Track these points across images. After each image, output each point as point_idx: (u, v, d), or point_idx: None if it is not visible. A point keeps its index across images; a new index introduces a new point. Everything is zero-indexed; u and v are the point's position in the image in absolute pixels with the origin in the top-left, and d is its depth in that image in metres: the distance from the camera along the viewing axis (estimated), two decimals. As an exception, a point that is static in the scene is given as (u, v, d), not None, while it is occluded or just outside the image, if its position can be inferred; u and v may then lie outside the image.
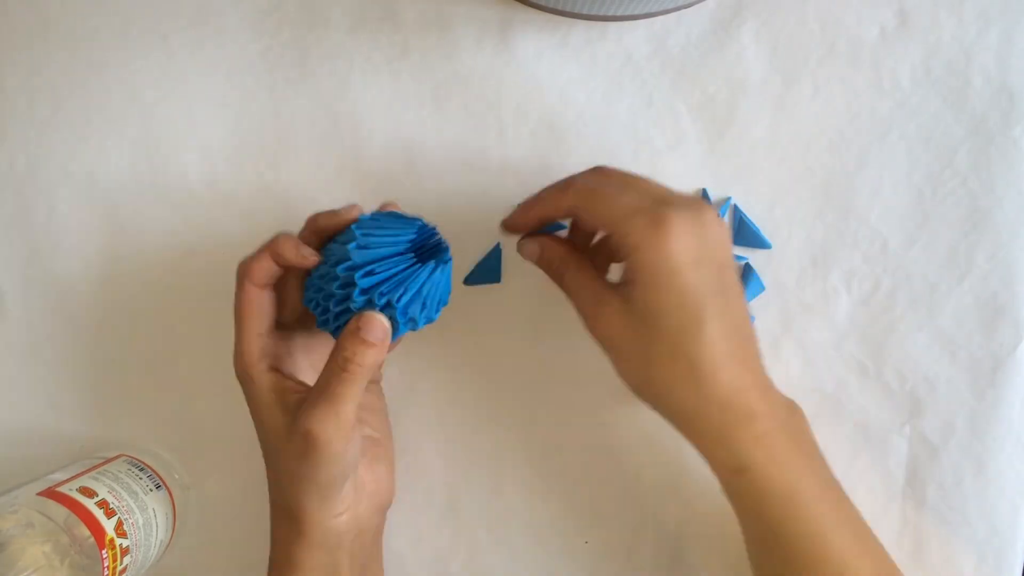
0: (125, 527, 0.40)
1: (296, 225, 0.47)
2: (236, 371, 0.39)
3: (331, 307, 0.37)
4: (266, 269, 0.39)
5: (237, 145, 0.47)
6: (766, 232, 0.46)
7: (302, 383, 0.39)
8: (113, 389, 0.47)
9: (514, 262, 0.45)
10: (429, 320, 0.38)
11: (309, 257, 0.38)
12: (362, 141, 0.47)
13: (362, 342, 0.36)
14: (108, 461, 0.44)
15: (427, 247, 0.39)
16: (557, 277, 0.40)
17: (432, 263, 0.37)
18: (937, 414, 0.45)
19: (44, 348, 0.47)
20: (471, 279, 0.46)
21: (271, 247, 0.38)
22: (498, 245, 0.46)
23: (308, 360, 0.42)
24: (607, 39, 0.46)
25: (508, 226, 0.41)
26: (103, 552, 0.38)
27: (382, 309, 0.37)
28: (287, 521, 0.39)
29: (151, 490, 0.44)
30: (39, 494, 0.39)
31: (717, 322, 0.36)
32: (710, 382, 0.36)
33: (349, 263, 0.36)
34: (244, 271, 0.39)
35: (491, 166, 0.47)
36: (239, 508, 0.47)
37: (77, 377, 0.47)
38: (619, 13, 0.44)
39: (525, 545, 0.47)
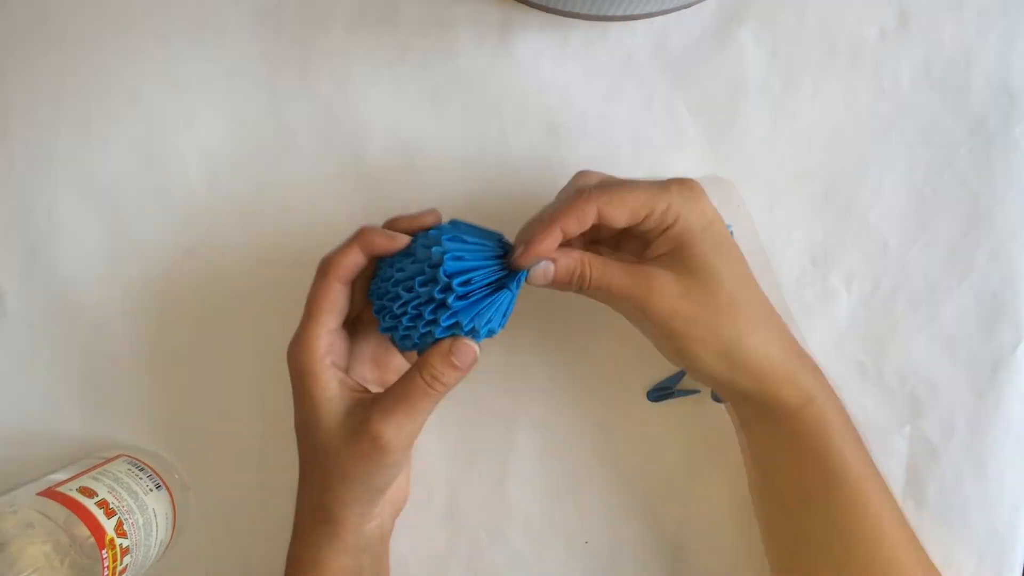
0: (125, 527, 0.40)
1: (297, 224, 0.47)
2: (295, 363, 0.39)
3: (409, 311, 0.37)
4: (353, 263, 0.38)
5: (237, 145, 0.47)
6: (766, 233, 0.46)
7: (363, 386, 0.39)
8: (113, 389, 0.47)
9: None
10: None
11: (399, 239, 0.39)
12: (362, 141, 0.47)
13: (451, 365, 0.37)
14: (108, 461, 0.44)
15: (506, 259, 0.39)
16: (581, 282, 0.38)
17: (515, 286, 0.37)
18: (937, 414, 0.45)
19: (44, 348, 0.47)
20: None
21: (360, 239, 0.38)
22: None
23: (364, 364, 0.42)
24: (607, 39, 0.46)
25: (532, 255, 0.37)
26: (103, 552, 0.38)
27: (467, 332, 0.37)
28: (322, 522, 0.39)
29: (151, 490, 0.44)
30: (39, 494, 0.39)
31: (751, 274, 0.39)
32: (777, 321, 0.39)
33: (443, 267, 0.36)
34: (330, 264, 0.38)
35: (491, 166, 0.47)
36: (239, 508, 0.47)
37: (77, 377, 0.47)
38: (619, 13, 0.44)
39: (525, 545, 0.47)
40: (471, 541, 0.47)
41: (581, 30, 0.46)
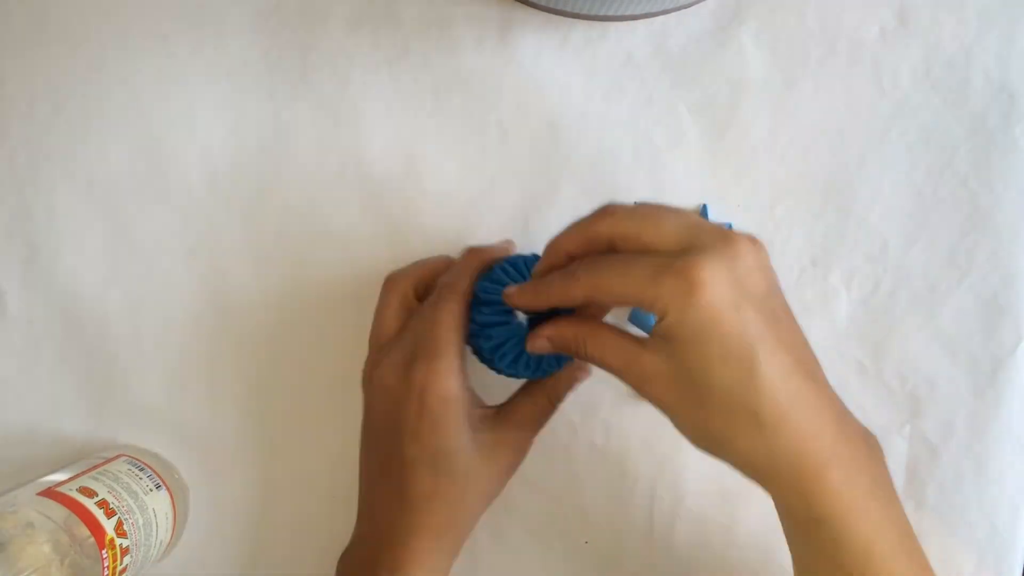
0: (125, 527, 0.40)
1: (297, 224, 0.47)
2: (439, 390, 0.38)
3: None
4: (470, 286, 0.40)
5: (237, 145, 0.47)
6: (766, 233, 0.46)
7: (479, 399, 0.42)
8: (113, 389, 0.47)
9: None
10: None
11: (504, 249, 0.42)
12: (362, 141, 0.47)
13: (574, 385, 0.42)
14: (108, 461, 0.44)
15: None
16: (576, 353, 0.37)
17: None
18: (937, 414, 0.45)
19: (44, 348, 0.47)
20: None
21: (476, 257, 0.40)
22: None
23: None
24: (607, 39, 0.46)
25: (517, 303, 0.38)
26: (103, 552, 0.38)
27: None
28: (432, 550, 0.39)
29: (151, 490, 0.44)
30: (39, 494, 0.39)
31: (773, 362, 0.32)
32: (777, 432, 0.32)
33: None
34: (454, 287, 0.39)
35: (491, 166, 0.47)
36: (239, 508, 0.47)
37: (77, 377, 0.47)
38: (619, 13, 0.44)
39: (525, 545, 0.47)
40: (471, 541, 0.47)
41: (581, 30, 0.46)
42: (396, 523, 0.39)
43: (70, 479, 0.41)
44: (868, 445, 0.35)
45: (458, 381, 0.38)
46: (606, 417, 0.47)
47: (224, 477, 0.47)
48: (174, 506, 0.45)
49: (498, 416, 0.41)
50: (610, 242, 0.35)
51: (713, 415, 0.33)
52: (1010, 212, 0.45)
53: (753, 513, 0.46)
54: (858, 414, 0.46)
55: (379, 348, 0.41)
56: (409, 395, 0.38)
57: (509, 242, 0.45)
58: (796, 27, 0.46)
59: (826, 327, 0.46)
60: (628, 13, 0.44)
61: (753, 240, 0.34)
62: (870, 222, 0.46)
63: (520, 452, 0.41)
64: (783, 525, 0.36)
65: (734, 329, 0.32)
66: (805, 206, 0.46)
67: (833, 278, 0.46)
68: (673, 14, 0.45)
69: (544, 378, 0.42)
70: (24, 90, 0.47)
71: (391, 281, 0.41)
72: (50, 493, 0.39)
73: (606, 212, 0.35)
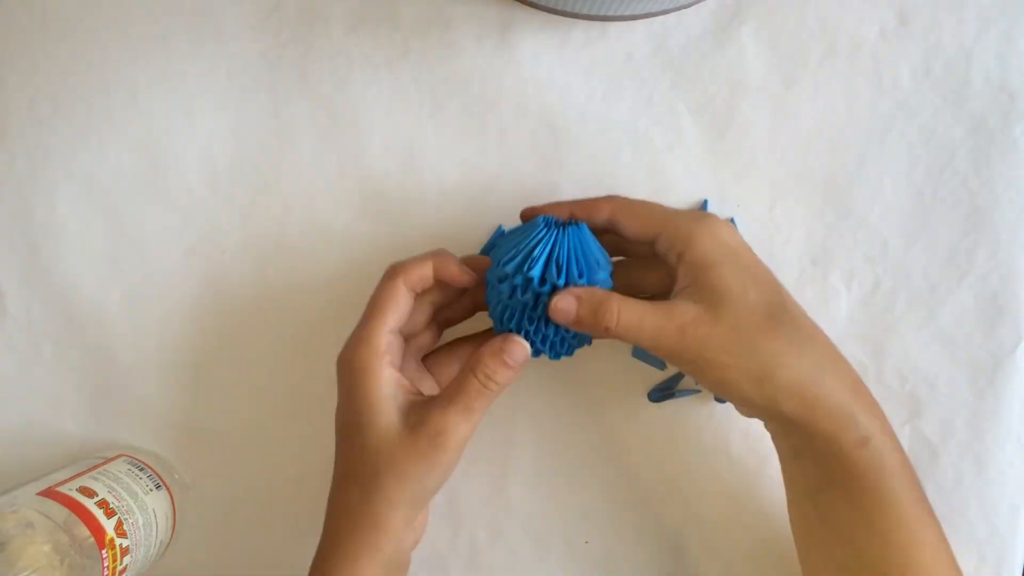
0: (125, 527, 0.40)
1: (297, 224, 0.47)
2: (352, 360, 0.38)
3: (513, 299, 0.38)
4: (422, 273, 0.39)
5: (237, 145, 0.47)
6: (766, 233, 0.46)
7: (417, 388, 0.40)
8: (113, 389, 0.47)
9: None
10: (570, 345, 0.40)
11: (468, 274, 0.40)
12: (362, 141, 0.47)
13: (503, 363, 0.38)
14: (108, 461, 0.44)
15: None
16: (608, 320, 0.37)
17: (568, 228, 0.38)
18: (937, 414, 0.45)
19: (44, 348, 0.47)
20: None
21: (435, 256, 0.40)
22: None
23: (412, 373, 0.42)
24: (607, 39, 0.46)
25: (529, 212, 0.42)
26: (103, 552, 0.38)
27: (565, 283, 0.37)
28: (364, 527, 0.38)
29: (151, 490, 0.44)
30: (39, 494, 0.39)
31: (789, 297, 0.37)
32: (815, 346, 0.36)
33: (501, 252, 0.38)
34: (399, 269, 0.40)
35: (491, 166, 0.47)
36: (239, 508, 0.47)
37: (77, 377, 0.47)
38: (619, 13, 0.44)
39: (525, 545, 0.47)
40: (471, 541, 0.47)
41: (581, 30, 0.46)
42: (328, 508, 0.40)
43: (70, 479, 0.41)
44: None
45: (373, 353, 0.38)
46: (606, 417, 0.47)
47: (224, 477, 0.47)
48: (174, 506, 0.45)
49: (430, 400, 0.39)
50: (610, 218, 0.39)
51: (762, 334, 0.35)
52: (1010, 212, 0.45)
53: (754, 512, 0.46)
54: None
55: None
56: (338, 360, 0.39)
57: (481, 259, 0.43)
58: (796, 27, 0.46)
59: (826, 327, 0.46)
60: (628, 13, 0.44)
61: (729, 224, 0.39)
62: (870, 222, 0.46)
63: (444, 437, 0.37)
64: (803, 465, 0.37)
65: (753, 259, 0.37)
66: (805, 206, 0.46)
67: (833, 278, 0.46)
68: (673, 14, 0.45)
69: (554, 357, 0.41)
70: (24, 90, 0.47)
71: (389, 270, 0.41)
72: (50, 493, 0.39)
73: (610, 197, 0.39)
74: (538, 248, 0.37)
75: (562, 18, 0.46)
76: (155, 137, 0.47)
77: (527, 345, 0.39)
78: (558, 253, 0.37)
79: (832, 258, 0.46)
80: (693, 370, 0.37)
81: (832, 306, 0.46)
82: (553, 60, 0.46)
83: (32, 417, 0.47)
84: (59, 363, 0.47)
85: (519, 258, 0.37)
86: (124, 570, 0.40)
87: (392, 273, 0.40)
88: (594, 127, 0.46)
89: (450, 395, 0.38)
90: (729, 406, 0.42)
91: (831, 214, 0.46)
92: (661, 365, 0.46)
